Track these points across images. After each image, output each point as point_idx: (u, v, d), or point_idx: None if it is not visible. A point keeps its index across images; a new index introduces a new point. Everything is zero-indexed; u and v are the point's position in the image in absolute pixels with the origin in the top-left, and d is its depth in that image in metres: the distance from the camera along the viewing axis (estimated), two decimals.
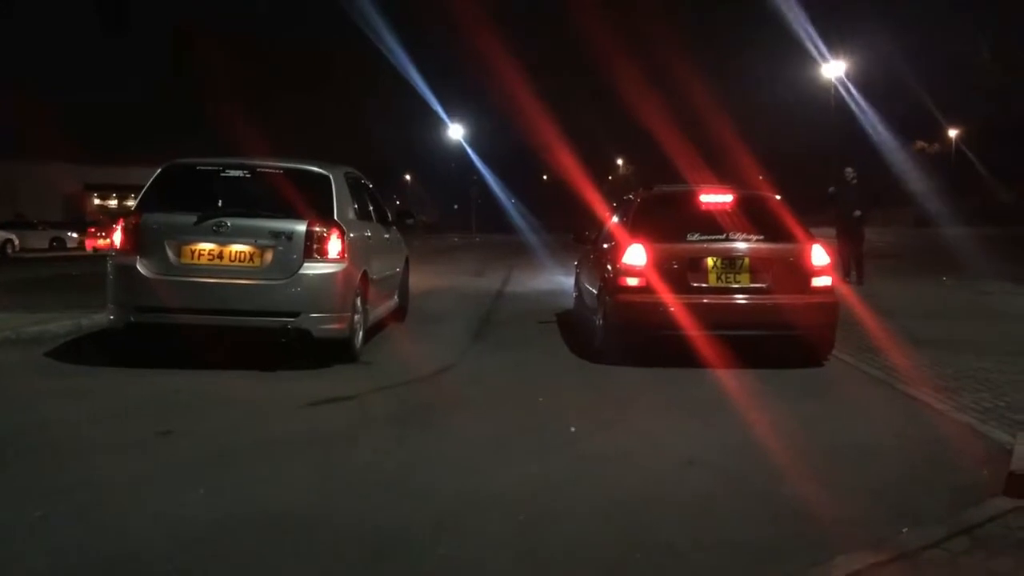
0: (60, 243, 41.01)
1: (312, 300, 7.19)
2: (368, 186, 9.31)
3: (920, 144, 60.46)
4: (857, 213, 15.03)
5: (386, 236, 9.44)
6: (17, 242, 35.84)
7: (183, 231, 7.20)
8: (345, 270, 7.37)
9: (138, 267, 7.17)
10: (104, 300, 7.65)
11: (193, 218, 7.18)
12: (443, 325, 10.29)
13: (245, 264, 7.15)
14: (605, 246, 8.88)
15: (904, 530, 3.60)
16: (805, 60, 34.69)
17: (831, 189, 15.83)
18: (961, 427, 5.40)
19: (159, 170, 7.79)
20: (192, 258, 7.18)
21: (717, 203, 8.19)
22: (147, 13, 72.65)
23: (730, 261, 7.62)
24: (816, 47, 31.66)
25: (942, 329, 9.48)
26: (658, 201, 8.78)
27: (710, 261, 7.60)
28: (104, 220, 41.38)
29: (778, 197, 8.68)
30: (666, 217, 8.26)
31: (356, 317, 7.66)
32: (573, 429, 5.50)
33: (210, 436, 5.22)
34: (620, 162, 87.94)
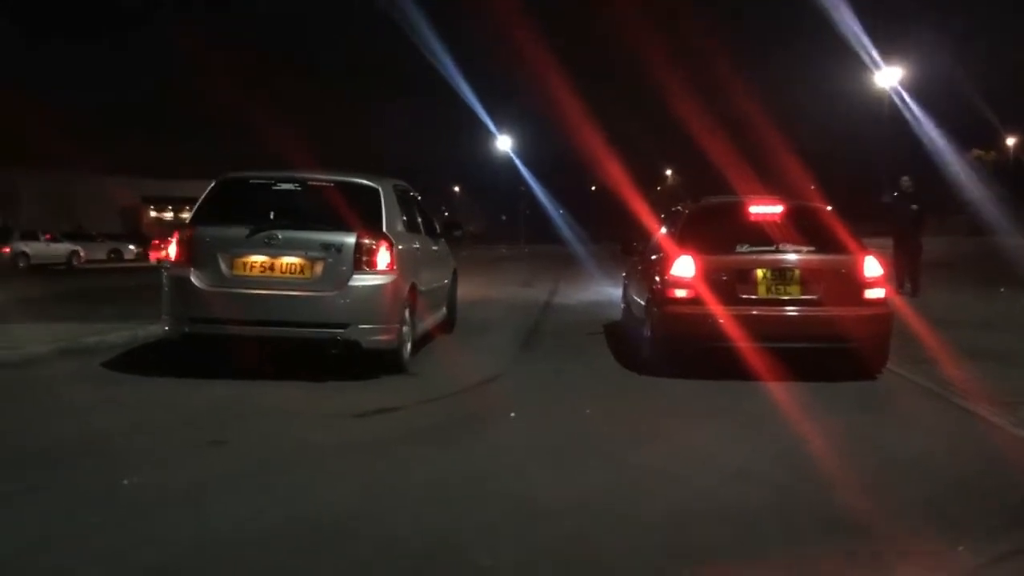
0: (118, 255, 41.92)
1: (361, 311, 7.27)
2: (416, 198, 9.42)
3: (977, 152, 59.20)
4: (914, 207, 14.68)
5: (434, 248, 9.52)
6: (83, 253, 36.66)
7: (235, 244, 7.33)
8: (394, 282, 7.45)
9: (192, 279, 7.32)
10: (159, 311, 7.82)
11: (245, 231, 7.31)
12: (491, 335, 10.35)
13: (296, 276, 7.27)
14: (653, 257, 8.84)
15: (960, 548, 3.53)
16: (859, 67, 34.19)
17: (886, 198, 15.58)
18: (1018, 442, 5.29)
19: (213, 183, 7.97)
20: (244, 270, 7.31)
21: (766, 214, 8.15)
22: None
23: (780, 272, 7.54)
24: (869, 54, 31.19)
25: (999, 341, 9.28)
26: (707, 213, 8.76)
27: (760, 272, 7.54)
28: (167, 233, 42.68)
29: (829, 208, 8.58)
30: (715, 229, 8.20)
31: (404, 329, 7.72)
32: (621, 440, 5.49)
33: (261, 446, 5.30)
34: (669, 172, 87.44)
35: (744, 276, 7.56)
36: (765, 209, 8.27)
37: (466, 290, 11.45)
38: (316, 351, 7.54)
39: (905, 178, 15.14)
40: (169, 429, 5.68)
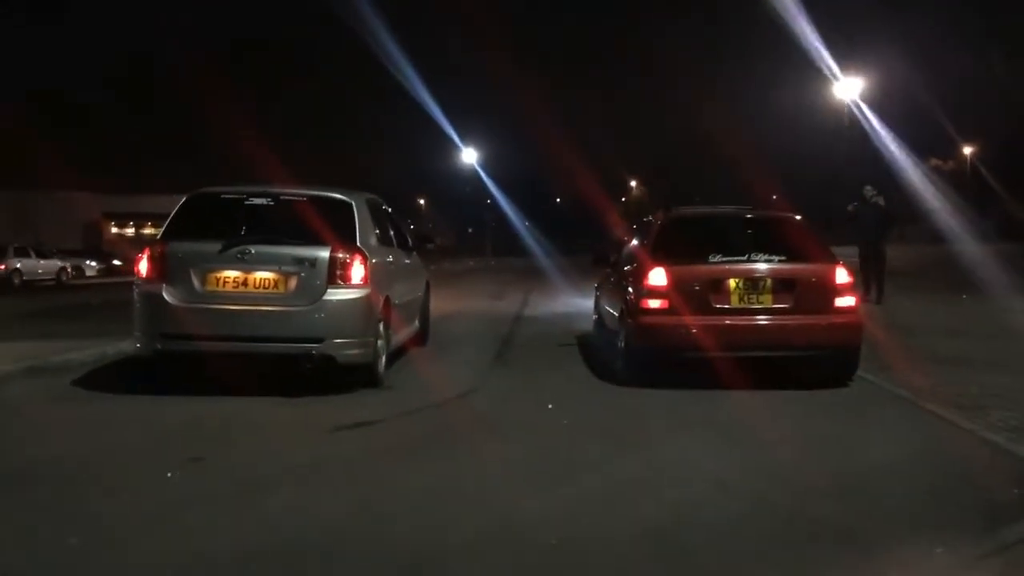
0: (79, 272, 41.28)
1: (336, 326, 7.24)
2: (388, 212, 9.39)
3: (935, 161, 60.24)
4: (893, 230, 14.83)
5: (407, 261, 9.53)
6: (70, 270, 37.47)
7: (208, 259, 7.24)
8: (368, 296, 7.41)
9: (164, 295, 7.22)
10: (130, 328, 7.72)
11: (218, 246, 7.22)
12: (465, 348, 10.34)
13: (269, 291, 7.21)
14: (626, 268, 8.90)
15: (938, 551, 3.59)
16: (820, 79, 34.71)
17: (850, 207, 15.76)
18: (989, 446, 5.38)
19: (184, 199, 7.88)
20: (217, 285, 7.23)
21: (738, 224, 8.42)
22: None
23: (752, 282, 7.64)
24: (829, 66, 31.67)
25: (964, 347, 9.44)
26: (679, 223, 8.82)
27: (732, 282, 7.62)
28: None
29: (799, 217, 8.70)
30: (687, 239, 8.29)
31: (379, 342, 7.69)
32: (599, 452, 5.52)
33: (236, 464, 5.26)
34: (633, 184, 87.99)
35: (717, 286, 7.63)
36: (736, 219, 8.54)
37: (437, 303, 11.45)
38: (291, 366, 7.45)
39: (868, 187, 15.35)
40: (142, 448, 5.62)
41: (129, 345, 8.15)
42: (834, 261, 7.85)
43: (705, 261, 7.78)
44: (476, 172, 69.69)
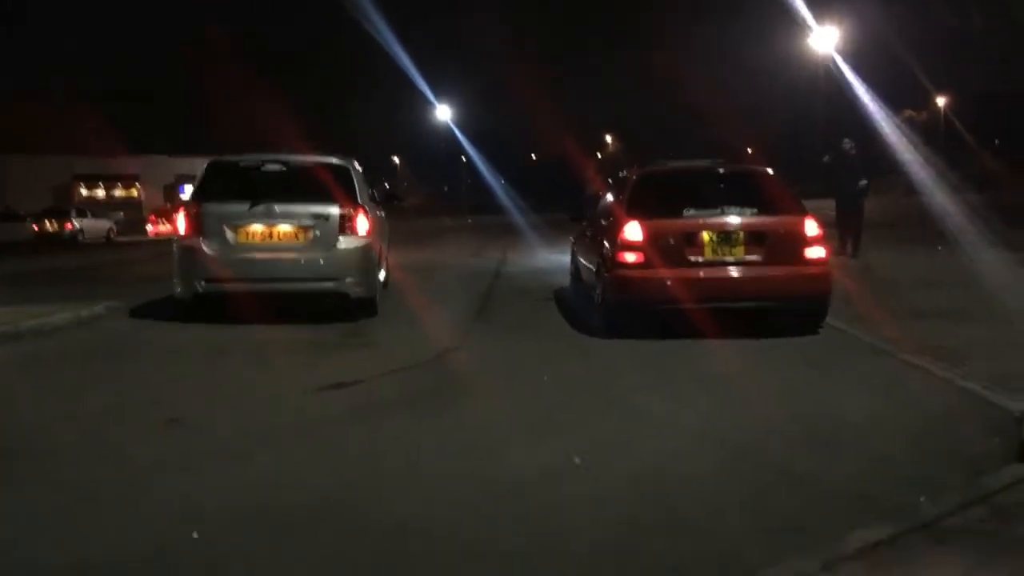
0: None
1: (347, 268, 8.80)
2: (355, 167, 10.05)
3: (909, 113, 60.41)
4: (863, 183, 14.88)
5: (381, 215, 11.09)
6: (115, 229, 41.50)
7: (238, 216, 8.69)
8: (370, 243, 9.04)
9: (203, 247, 8.62)
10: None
11: (246, 205, 8.69)
12: (449, 302, 10.63)
13: (291, 242, 8.78)
14: (603, 223, 9.00)
15: (922, 499, 3.62)
16: (794, 30, 34.53)
17: (826, 158, 15.77)
18: (968, 396, 5.43)
19: (206, 165, 9.32)
20: (248, 238, 8.73)
21: (710, 179, 8.62)
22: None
23: (725, 235, 7.78)
24: (803, 16, 31.44)
25: (941, 299, 9.51)
26: (653, 178, 8.87)
27: (706, 235, 7.76)
28: (167, 208, 46.66)
29: (771, 171, 8.81)
30: (661, 194, 8.40)
31: (377, 282, 9.47)
32: (580, 408, 5.56)
33: (218, 425, 5.22)
34: (609, 139, 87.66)
35: (691, 239, 7.78)
36: (710, 173, 8.72)
37: (418, 258, 11.55)
38: (311, 301, 9.08)
39: (847, 140, 15.32)
40: (123, 410, 5.56)
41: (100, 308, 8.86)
42: (804, 213, 8.00)
43: (679, 215, 7.95)
44: (450, 130, 69.13)
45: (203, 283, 8.68)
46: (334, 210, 8.73)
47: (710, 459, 4.39)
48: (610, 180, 11.03)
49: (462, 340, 8.03)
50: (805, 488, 3.93)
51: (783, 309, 8.00)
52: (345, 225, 8.75)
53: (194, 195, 9.11)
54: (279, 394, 6.00)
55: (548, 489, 3.98)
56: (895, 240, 17.35)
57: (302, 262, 8.74)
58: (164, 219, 42.93)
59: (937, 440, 4.61)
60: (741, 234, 7.78)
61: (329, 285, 8.77)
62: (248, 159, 9.35)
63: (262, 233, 8.74)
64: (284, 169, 9.20)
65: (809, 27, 32.08)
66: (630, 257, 7.81)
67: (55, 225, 38.28)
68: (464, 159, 72.92)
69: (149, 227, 44.82)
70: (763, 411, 5.28)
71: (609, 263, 8.10)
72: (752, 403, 5.48)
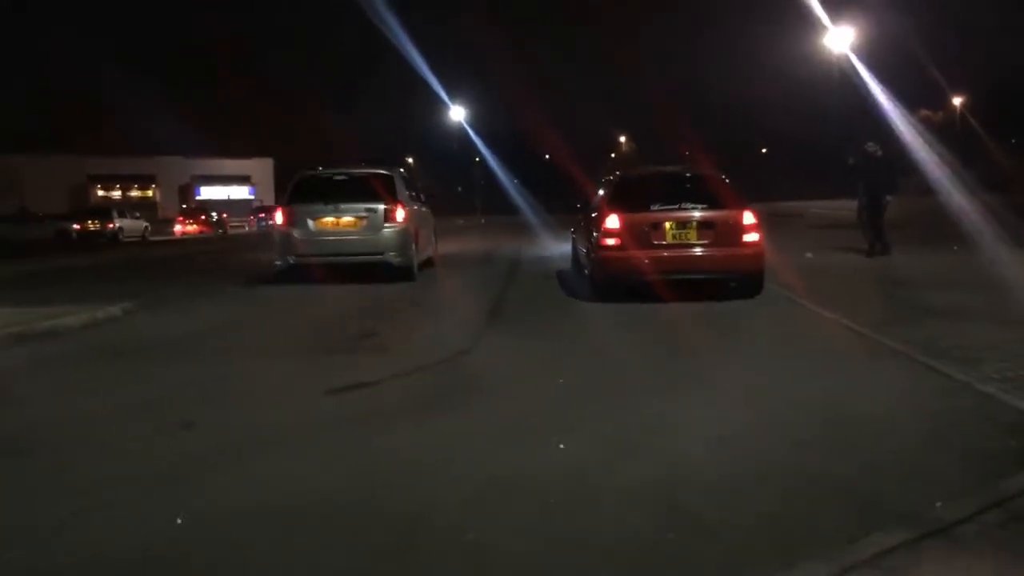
0: (64, 235, 40.98)
1: (390, 246, 13.00)
2: (407, 178, 14.59)
3: (925, 113, 60.02)
4: (888, 198, 14.91)
5: (424, 209, 15.60)
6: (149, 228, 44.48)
7: (316, 212, 12.99)
8: (406, 228, 13.20)
9: (293, 233, 13.03)
10: None
11: (321, 204, 12.97)
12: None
13: (351, 228, 13.04)
14: (592, 216, 11.41)
15: (938, 504, 3.58)
16: (810, 29, 34.41)
17: (850, 160, 15.77)
18: (985, 398, 5.36)
19: (296, 177, 13.57)
20: (322, 226, 13.01)
21: (673, 180, 10.98)
22: None
23: (682, 224, 10.10)
24: (819, 15, 31.31)
25: (956, 299, 9.42)
26: (630, 180, 11.60)
27: (668, 224, 10.09)
28: (188, 211, 54.12)
29: (721, 174, 11.04)
30: (635, 193, 10.83)
31: (414, 256, 13.51)
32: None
33: (232, 426, 5.23)
34: (623, 139, 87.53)
35: (656, 228, 10.11)
36: (672, 176, 11.20)
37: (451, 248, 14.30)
38: (366, 268, 12.98)
39: (870, 143, 15.28)
40: (139, 411, 5.59)
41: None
42: (743, 207, 10.18)
43: (648, 209, 10.26)
44: (464, 130, 69.19)
45: (293, 257, 13.03)
46: (380, 206, 12.92)
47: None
48: (601, 182, 13.61)
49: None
50: (817, 490, 3.88)
51: (726, 280, 10.39)
52: (388, 216, 12.90)
53: (288, 198, 13.32)
54: (293, 395, 6.01)
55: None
56: (910, 240, 17.19)
57: (359, 242, 12.88)
58: (191, 220, 50.22)
59: (954, 443, 4.55)
60: (695, 223, 10.10)
61: (377, 257, 12.91)
62: (323, 172, 13.65)
63: (332, 223, 12.99)
64: (347, 178, 13.45)
65: (824, 27, 31.98)
66: (610, 241, 10.22)
67: (97, 224, 41.10)
68: (477, 159, 72.92)
69: (177, 227, 49.52)
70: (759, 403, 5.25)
71: (595, 247, 10.57)
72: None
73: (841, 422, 5.03)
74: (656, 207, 10.20)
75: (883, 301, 9.58)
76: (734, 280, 10.38)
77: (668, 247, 10.04)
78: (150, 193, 67.51)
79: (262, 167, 74.75)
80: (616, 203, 10.49)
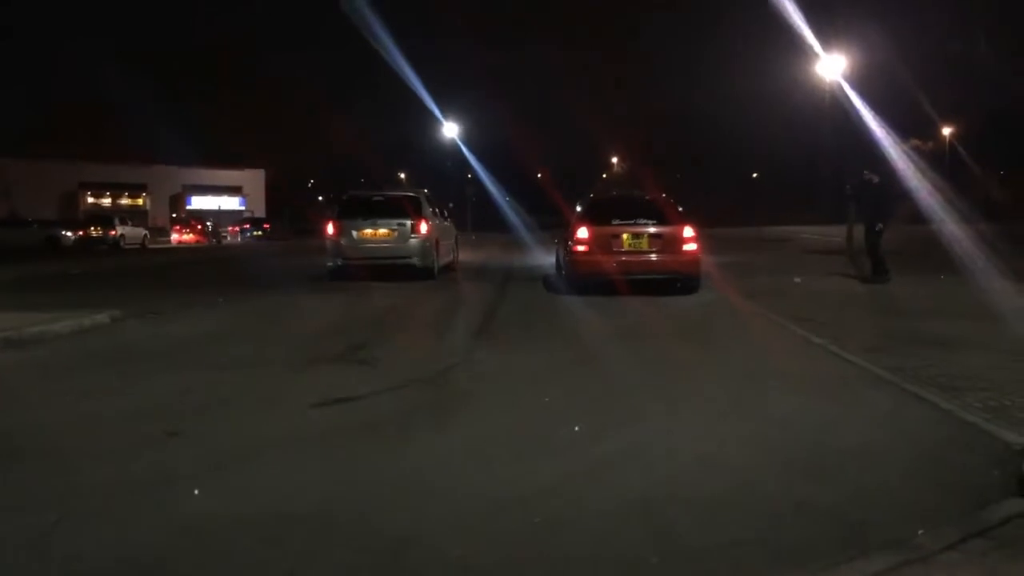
0: (53, 241, 40.84)
1: (414, 252, 16.65)
2: (431, 198, 18.42)
3: (915, 142, 60.44)
4: (879, 227, 15.04)
5: (445, 223, 20.04)
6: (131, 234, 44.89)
7: (358, 225, 16.81)
8: (429, 239, 16.88)
9: (340, 241, 16.76)
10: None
11: (362, 218, 16.82)
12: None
13: (386, 238, 16.75)
14: (569, 229, 14.22)
15: (920, 532, 3.59)
16: (801, 57, 34.67)
17: (848, 188, 16.03)
18: (968, 427, 5.39)
19: (344, 197, 18.16)
20: (363, 235, 16.77)
21: (630, 202, 14.47)
22: None
23: (636, 235, 13.28)
24: (809, 44, 31.53)
25: (943, 328, 9.46)
26: (599, 201, 15.65)
27: (625, 236, 13.28)
28: (185, 221, 56.53)
29: (668, 197, 14.81)
30: (601, 211, 14.05)
31: (434, 260, 17.11)
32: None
33: (218, 437, 5.22)
34: (615, 160, 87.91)
35: (616, 238, 13.28)
36: (630, 199, 14.97)
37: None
38: (395, 269, 16.60)
39: (865, 172, 15.45)
40: (121, 421, 5.58)
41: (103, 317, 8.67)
42: (683, 223, 13.37)
43: (610, 223, 13.43)
44: (457, 147, 69.28)
45: (340, 260, 16.83)
46: (408, 221, 16.69)
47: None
48: (579, 200, 16.63)
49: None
50: (803, 515, 3.90)
51: (670, 279, 13.35)
52: (414, 229, 16.70)
53: (337, 214, 17.27)
54: (280, 407, 6.00)
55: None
56: (898, 268, 17.28)
57: (391, 248, 16.67)
58: (187, 229, 52.64)
59: (936, 471, 4.57)
60: (645, 235, 13.30)
61: (404, 261, 16.63)
62: (365, 192, 18.30)
63: (370, 233, 16.87)
64: (383, 199, 17.48)
65: (816, 54, 32.19)
66: (581, 248, 13.36)
67: (99, 231, 43.00)
68: (470, 176, 73.01)
69: (174, 236, 52.22)
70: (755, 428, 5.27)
71: (569, 252, 13.78)
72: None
73: (824, 449, 5.05)
74: (616, 222, 13.39)
75: (871, 328, 9.61)
76: (678, 280, 13.42)
77: (626, 253, 13.22)
78: (140, 201, 67.33)
79: (254, 178, 74.75)
80: (586, 218, 13.75)
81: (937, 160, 57.78)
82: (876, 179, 15.32)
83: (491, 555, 3.49)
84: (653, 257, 13.10)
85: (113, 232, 42.91)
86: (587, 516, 3.89)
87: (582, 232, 13.24)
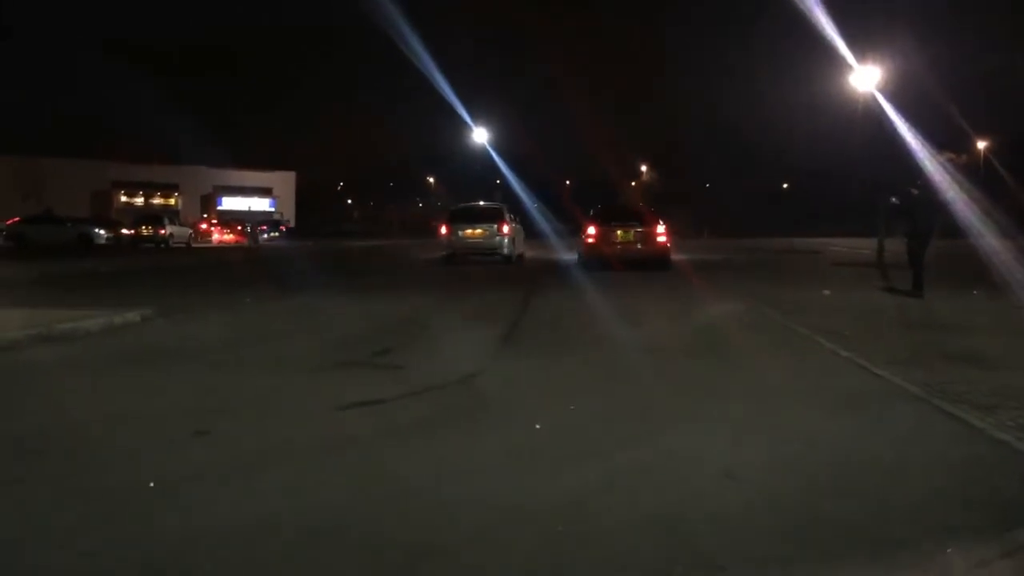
0: (86, 239, 41.36)
1: (502, 246, 26.32)
2: (509, 209, 27.94)
3: (950, 155, 59.77)
4: (925, 240, 15.00)
5: (517, 226, 28.03)
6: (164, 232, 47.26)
7: (462, 227, 26.46)
8: (511, 236, 26.55)
9: (451, 237, 26.47)
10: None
11: (466, 222, 26.62)
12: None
13: (482, 236, 26.45)
14: (584, 229, 22.87)
15: (948, 550, 3.53)
16: (834, 69, 34.37)
17: (893, 200, 15.95)
18: (1000, 445, 5.30)
19: (452, 208, 28.80)
20: (465, 235, 26.44)
21: (625, 210, 28.10)
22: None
23: (627, 232, 22.26)
24: (845, 56, 31.25)
25: (974, 344, 9.33)
26: (605, 208, 25.03)
27: (619, 233, 22.31)
28: (230, 221, 59.80)
29: (651, 208, 25.25)
30: (605, 215, 23.50)
31: (513, 251, 26.77)
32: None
33: (239, 440, 5.23)
34: (644, 168, 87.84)
35: (614, 234, 22.32)
36: (625, 208, 29.81)
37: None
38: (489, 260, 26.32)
39: (911, 189, 15.37)
40: (147, 420, 5.60)
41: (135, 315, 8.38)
42: (657, 224, 22.20)
43: (611, 225, 22.58)
44: (487, 152, 69.37)
45: (450, 250, 26.21)
46: (495, 224, 26.04)
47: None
48: (593, 207, 26.65)
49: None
50: (823, 532, 3.84)
51: (649, 262, 21.43)
52: (500, 229, 26.03)
53: (448, 219, 26.89)
54: (302, 410, 6.02)
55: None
56: (930, 282, 17.09)
57: (484, 243, 26.13)
58: (227, 230, 57.38)
59: (967, 489, 4.49)
60: (633, 233, 22.34)
61: (493, 251, 26.01)
62: (467, 205, 28.47)
63: (471, 232, 26.21)
64: (480, 209, 27.44)
65: (852, 66, 31.91)
66: (590, 240, 22.43)
67: (151, 230, 46.67)
68: (498, 181, 73.15)
69: (215, 236, 57.15)
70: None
71: (583, 244, 22.96)
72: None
73: (851, 464, 4.98)
74: (614, 223, 22.73)
75: (902, 342, 9.49)
76: (655, 262, 21.83)
77: (620, 243, 22.24)
78: (172, 201, 68.05)
79: (284, 180, 75.28)
80: (595, 220, 23.14)
81: (972, 173, 57.08)
82: (916, 191, 15.20)
83: (512, 565, 3.46)
84: (638, 246, 22.23)
85: (163, 231, 46.62)
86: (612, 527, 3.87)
87: (591, 230, 22.58)
